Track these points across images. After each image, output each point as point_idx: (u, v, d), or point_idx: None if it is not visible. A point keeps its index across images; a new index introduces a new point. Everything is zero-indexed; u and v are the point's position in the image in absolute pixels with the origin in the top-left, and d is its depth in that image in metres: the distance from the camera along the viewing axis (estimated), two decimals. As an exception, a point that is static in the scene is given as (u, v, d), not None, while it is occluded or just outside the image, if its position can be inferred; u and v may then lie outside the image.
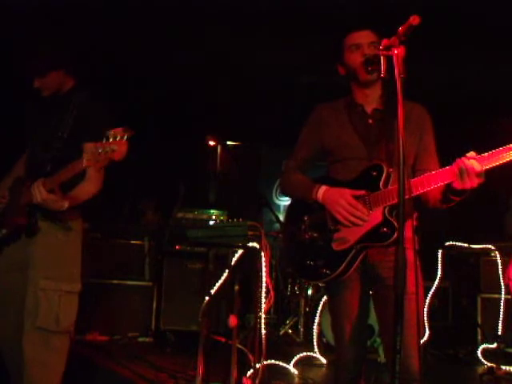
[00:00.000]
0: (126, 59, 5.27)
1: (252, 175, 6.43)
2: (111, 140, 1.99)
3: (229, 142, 5.92)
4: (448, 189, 1.88)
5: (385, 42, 1.77)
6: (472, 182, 1.78)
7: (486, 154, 1.78)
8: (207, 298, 3.18)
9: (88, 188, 2.41)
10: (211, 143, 5.63)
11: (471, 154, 1.80)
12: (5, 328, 2.41)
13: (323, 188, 2.04)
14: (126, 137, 1.99)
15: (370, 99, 2.13)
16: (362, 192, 1.97)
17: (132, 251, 5.09)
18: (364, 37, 2.07)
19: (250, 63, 5.37)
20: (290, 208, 2.28)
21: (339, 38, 2.14)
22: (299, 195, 2.17)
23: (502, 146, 1.78)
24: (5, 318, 2.41)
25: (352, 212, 1.95)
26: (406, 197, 1.67)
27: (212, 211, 5.06)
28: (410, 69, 1.75)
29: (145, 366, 3.87)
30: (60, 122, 2.41)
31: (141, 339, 4.86)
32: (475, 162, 1.77)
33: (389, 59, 1.75)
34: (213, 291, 3.19)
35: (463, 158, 1.79)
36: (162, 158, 5.93)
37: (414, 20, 1.66)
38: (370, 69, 1.93)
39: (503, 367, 4.54)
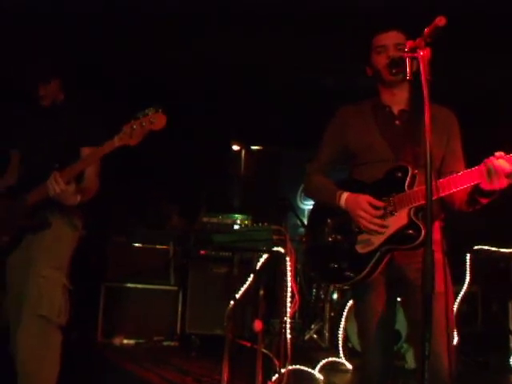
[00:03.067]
0: (150, 63, 5.32)
1: (276, 179, 6.42)
2: (149, 114, 2.08)
3: (253, 147, 5.92)
4: (475, 190, 1.84)
5: (410, 43, 1.74)
6: (501, 183, 1.74)
7: None
8: (232, 302, 3.18)
9: (94, 182, 2.46)
10: (235, 148, 5.65)
11: (500, 153, 1.76)
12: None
13: (345, 195, 2.03)
14: (160, 110, 2.08)
15: (398, 100, 2.10)
16: (380, 203, 1.95)
17: (157, 256, 5.12)
18: (390, 38, 2.05)
19: (274, 66, 5.37)
20: (313, 211, 2.26)
21: (369, 39, 2.12)
22: (323, 200, 2.16)
23: None
24: (19, 316, 2.39)
25: (370, 220, 1.94)
26: (434, 197, 1.63)
27: (236, 216, 5.07)
28: (437, 70, 1.72)
29: (170, 370, 3.90)
30: (60, 131, 2.48)
31: (166, 343, 4.89)
32: (504, 162, 1.73)
33: (415, 61, 1.73)
34: (238, 295, 3.19)
35: (492, 158, 1.75)
36: (187, 163, 5.97)
37: (440, 21, 1.61)
38: (394, 71, 1.91)
39: (537, 376, 4.43)
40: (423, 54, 1.68)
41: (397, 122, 2.08)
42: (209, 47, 5.07)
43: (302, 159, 2.35)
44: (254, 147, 5.90)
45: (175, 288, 5.03)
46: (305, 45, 4.92)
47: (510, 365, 4.73)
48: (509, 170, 1.72)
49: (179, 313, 4.96)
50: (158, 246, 5.14)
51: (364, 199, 1.97)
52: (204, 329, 4.80)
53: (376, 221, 1.94)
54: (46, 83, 2.48)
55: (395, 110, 2.10)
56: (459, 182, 1.81)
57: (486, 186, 1.77)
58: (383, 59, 2.02)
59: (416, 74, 1.71)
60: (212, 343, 4.50)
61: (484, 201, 1.86)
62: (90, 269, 4.79)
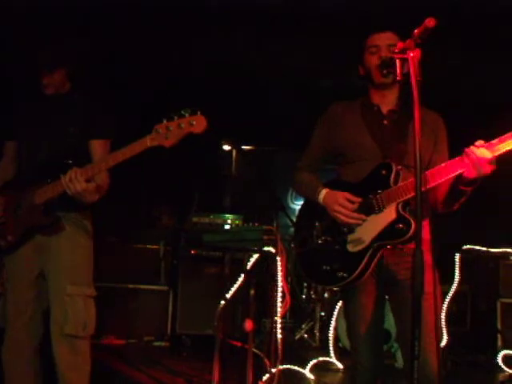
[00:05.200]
0: (140, 63, 5.30)
1: (267, 179, 6.43)
2: (186, 115, 2.02)
3: (244, 147, 5.91)
4: (458, 180, 1.86)
5: (400, 45, 1.76)
6: (485, 170, 1.77)
7: (495, 140, 1.77)
8: (223, 302, 3.17)
9: (106, 180, 2.39)
10: (226, 147, 5.64)
11: (480, 142, 1.78)
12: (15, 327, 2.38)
13: (324, 191, 2.07)
14: (199, 112, 2.03)
15: (387, 101, 2.12)
16: (358, 199, 1.99)
17: (148, 256, 5.11)
18: (383, 39, 2.07)
19: (266, 67, 5.37)
20: (300, 214, 2.29)
21: (362, 39, 2.14)
22: (306, 195, 2.21)
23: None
24: (17, 321, 2.39)
25: (347, 214, 1.97)
26: (422, 189, 1.64)
27: (227, 215, 5.06)
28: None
29: (161, 371, 3.89)
30: (67, 121, 2.40)
31: (157, 343, 4.87)
32: (485, 150, 1.75)
33: (405, 62, 1.74)
34: (228, 295, 3.18)
35: (472, 147, 1.78)
36: (177, 162, 5.95)
37: (430, 22, 1.63)
38: (385, 72, 1.94)
39: (526, 374, 4.49)
40: (413, 55, 1.69)
41: (385, 122, 2.10)
42: (201, 46, 5.06)
43: (295, 159, 2.36)
44: (245, 147, 5.88)
45: (166, 288, 5.02)
46: (301, 45, 4.93)
47: (497, 363, 4.79)
48: (490, 157, 1.75)
49: (170, 313, 4.95)
50: (148, 246, 5.13)
51: (341, 195, 2.01)
52: (195, 329, 4.79)
53: (354, 214, 1.97)
54: (50, 73, 2.38)
55: (384, 110, 2.12)
56: (444, 172, 1.84)
57: (469, 174, 1.79)
58: (375, 59, 2.04)
59: (406, 75, 1.73)
60: (203, 343, 4.49)
61: (468, 189, 1.88)
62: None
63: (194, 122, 2.01)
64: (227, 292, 3.18)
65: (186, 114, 2.03)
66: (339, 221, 2.02)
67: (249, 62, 5.32)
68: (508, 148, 1.74)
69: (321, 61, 5.15)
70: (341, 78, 5.05)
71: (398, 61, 1.76)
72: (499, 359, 4.82)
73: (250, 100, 5.70)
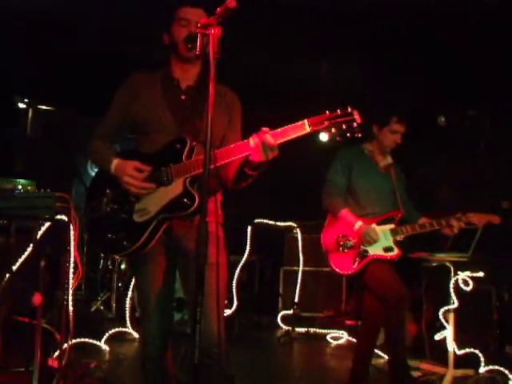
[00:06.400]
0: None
1: (67, 144, 6.03)
2: None
3: (42, 107, 5.43)
4: (244, 164, 2.00)
5: (203, 20, 1.80)
6: (267, 155, 1.91)
7: (279, 129, 1.93)
8: (8, 274, 2.93)
9: None
10: (21, 105, 5.14)
11: (265, 129, 1.94)
12: None
13: (115, 162, 2.07)
14: None
15: (187, 75, 2.16)
16: (148, 168, 2.02)
17: None
18: (194, 14, 2.08)
19: (76, 25, 4.99)
20: (93, 181, 2.25)
21: (173, 8, 2.12)
22: (100, 165, 2.19)
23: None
24: None
25: (136, 185, 2.00)
26: (211, 166, 1.72)
27: (19, 180, 4.61)
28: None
29: None
30: None
31: None
32: (269, 136, 1.91)
33: (206, 38, 1.79)
34: (15, 267, 2.95)
35: (259, 133, 1.93)
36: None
37: (231, 3, 1.71)
38: (189, 46, 1.97)
39: (297, 329, 5.22)
40: (214, 32, 1.75)
41: (183, 97, 2.14)
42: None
43: (96, 125, 2.27)
44: (43, 107, 5.40)
45: None
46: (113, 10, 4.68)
47: (277, 322, 5.54)
48: (273, 143, 1.90)
49: None
50: None
51: (130, 165, 2.03)
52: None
53: (143, 184, 2.01)
54: None
55: (183, 85, 2.16)
56: (232, 153, 1.96)
57: (254, 158, 1.94)
58: (183, 33, 2.05)
59: (207, 51, 1.78)
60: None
61: (253, 173, 2.02)
62: None
63: None
64: (13, 264, 2.95)
65: None
66: (129, 191, 2.02)
67: (60, 17, 4.86)
68: (288, 138, 1.91)
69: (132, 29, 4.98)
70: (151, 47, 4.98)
71: (199, 36, 1.80)
72: (279, 319, 5.57)
73: (59, 59, 5.25)
